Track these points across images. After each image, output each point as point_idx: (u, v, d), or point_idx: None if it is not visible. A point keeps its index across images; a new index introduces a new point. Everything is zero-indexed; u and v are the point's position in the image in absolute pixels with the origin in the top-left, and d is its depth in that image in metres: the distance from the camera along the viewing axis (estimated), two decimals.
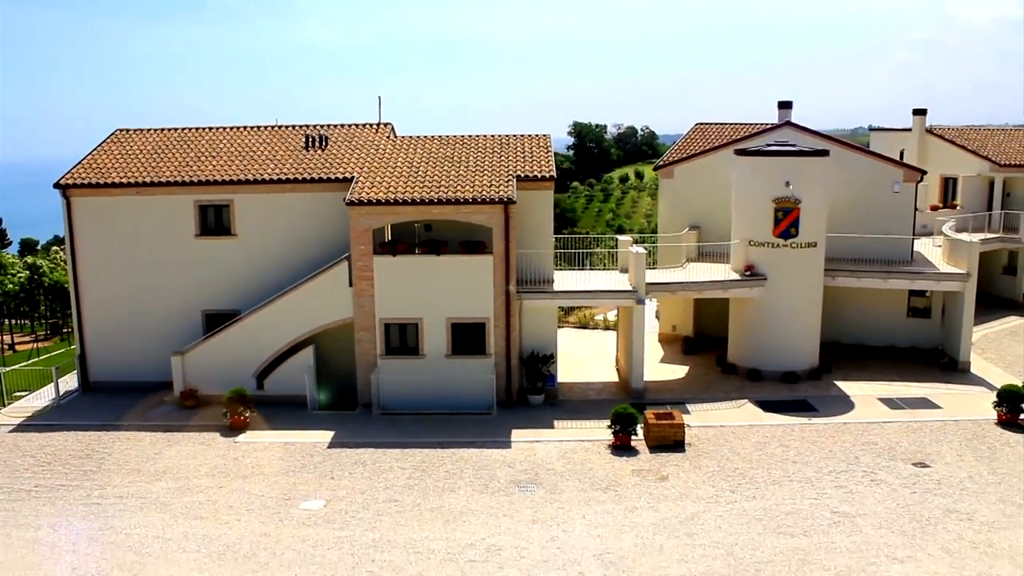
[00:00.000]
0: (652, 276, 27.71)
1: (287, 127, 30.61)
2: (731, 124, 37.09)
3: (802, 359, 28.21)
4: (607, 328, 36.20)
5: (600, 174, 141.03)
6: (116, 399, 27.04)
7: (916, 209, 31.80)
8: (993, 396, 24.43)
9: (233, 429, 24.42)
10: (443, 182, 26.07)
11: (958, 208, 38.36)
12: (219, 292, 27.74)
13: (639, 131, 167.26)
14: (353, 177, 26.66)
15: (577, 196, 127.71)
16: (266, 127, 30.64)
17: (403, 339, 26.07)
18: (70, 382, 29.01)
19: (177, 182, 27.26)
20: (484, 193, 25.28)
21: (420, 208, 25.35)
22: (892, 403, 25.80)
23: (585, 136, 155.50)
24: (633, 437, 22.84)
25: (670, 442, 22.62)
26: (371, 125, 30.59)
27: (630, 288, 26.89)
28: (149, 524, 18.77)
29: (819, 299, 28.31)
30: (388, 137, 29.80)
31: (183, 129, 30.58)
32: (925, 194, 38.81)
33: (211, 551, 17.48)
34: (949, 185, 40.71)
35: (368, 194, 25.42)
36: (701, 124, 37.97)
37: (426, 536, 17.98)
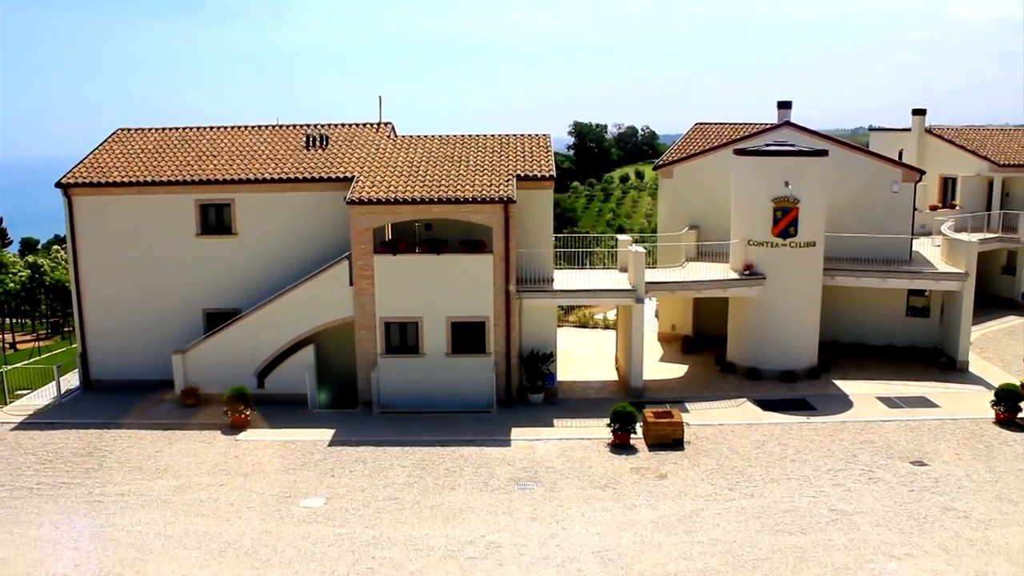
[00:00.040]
0: (651, 275, 27.81)
1: (288, 127, 30.70)
2: (731, 124, 37.18)
3: (801, 358, 28.30)
4: (607, 327, 36.30)
5: (600, 174, 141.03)
6: (117, 397, 27.15)
7: (915, 209, 31.93)
8: (991, 395, 24.54)
9: (234, 427, 24.52)
10: (443, 181, 26.16)
11: (957, 208, 38.45)
12: (220, 291, 27.84)
13: (639, 131, 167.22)
14: (353, 176, 26.76)
15: (577, 196, 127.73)
16: (267, 126, 30.73)
17: (403, 338, 26.17)
18: (71, 380, 29.13)
19: (178, 181, 27.36)
20: (484, 192, 25.37)
21: (420, 207, 25.44)
22: (890, 402, 25.90)
23: (585, 136, 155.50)
24: (632, 435, 22.94)
25: (669, 440, 22.72)
26: (371, 124, 30.68)
27: (629, 287, 26.99)
28: (150, 521, 18.87)
29: (818, 298, 28.40)
30: (388, 136, 29.89)
31: (184, 128, 30.67)
32: (924, 194, 38.92)
33: (212, 548, 17.58)
34: (948, 185, 40.80)
35: (369, 193, 25.51)
36: (701, 124, 38.06)
37: (426, 533, 18.08)
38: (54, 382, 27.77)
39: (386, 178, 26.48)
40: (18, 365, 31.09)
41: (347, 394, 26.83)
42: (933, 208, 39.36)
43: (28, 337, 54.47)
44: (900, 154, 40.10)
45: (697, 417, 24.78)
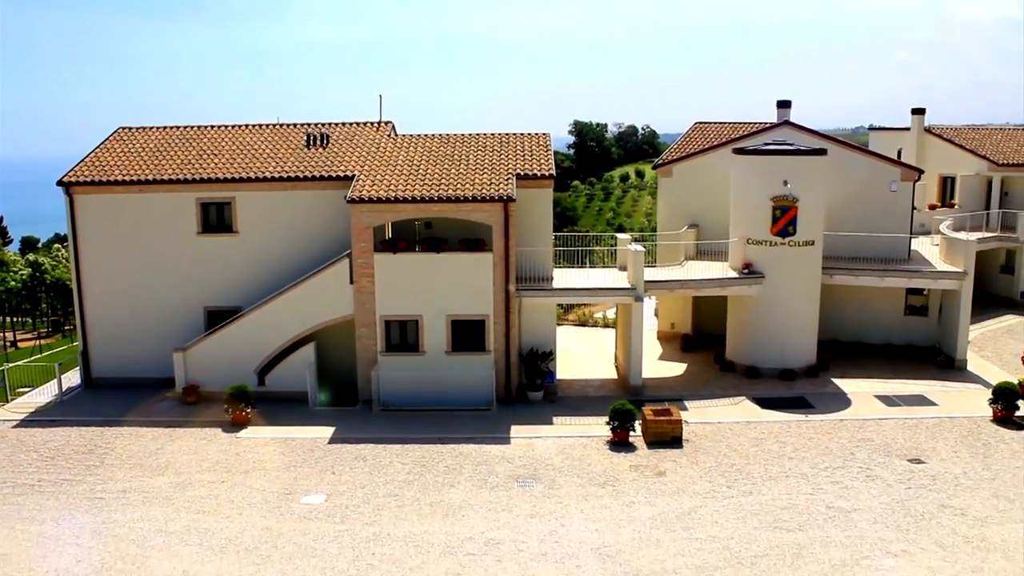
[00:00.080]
0: (651, 274, 27.92)
1: (288, 125, 30.80)
2: (730, 123, 37.25)
3: (800, 357, 28.40)
4: (606, 326, 36.40)
5: (601, 173, 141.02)
6: (118, 395, 27.26)
7: (914, 208, 32.03)
8: (989, 393, 24.64)
9: (234, 425, 24.61)
10: (443, 180, 26.25)
11: (956, 207, 38.55)
12: (221, 289, 27.93)
13: (640, 130, 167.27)
14: (354, 175, 26.85)
15: (578, 195, 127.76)
16: (268, 125, 30.82)
17: (403, 336, 26.26)
18: (73, 378, 29.24)
19: (179, 180, 27.46)
20: (484, 191, 25.47)
21: (420, 206, 25.54)
22: (889, 400, 25.99)
23: (586, 135, 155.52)
24: (631, 433, 23.04)
25: (668, 438, 22.81)
26: (372, 123, 30.78)
27: (629, 286, 27.08)
28: (152, 518, 18.97)
29: (816, 297, 28.49)
30: (389, 135, 29.98)
31: (185, 127, 30.77)
32: (923, 193, 39.00)
33: (213, 544, 17.68)
34: (947, 184, 40.91)
35: (369, 192, 25.61)
36: (700, 123, 38.14)
37: (425, 530, 18.18)
38: (55, 380, 27.88)
39: (386, 177, 26.57)
40: (20, 363, 31.16)
41: (347, 392, 26.92)
42: (932, 207, 39.45)
43: (29, 335, 54.61)
44: (899, 153, 40.19)
45: (696, 415, 24.88)
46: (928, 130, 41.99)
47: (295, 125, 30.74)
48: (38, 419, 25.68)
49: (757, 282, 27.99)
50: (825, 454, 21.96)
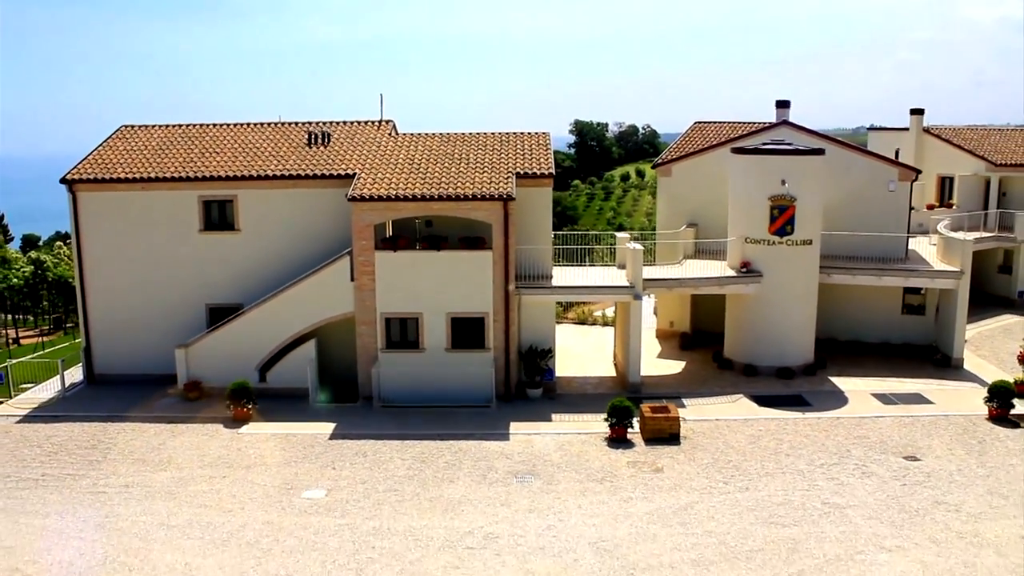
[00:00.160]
0: (649, 272, 28.11)
1: (290, 124, 31.00)
2: (729, 123, 37.43)
3: (797, 355, 28.59)
4: (605, 324, 36.59)
5: (601, 172, 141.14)
6: (121, 391, 27.45)
7: (911, 208, 32.21)
8: (985, 392, 24.82)
9: (236, 421, 24.81)
10: (444, 179, 26.44)
11: (954, 207, 38.73)
12: (223, 286, 28.14)
13: (640, 129, 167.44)
14: (355, 173, 27.05)
15: (578, 194, 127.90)
16: (269, 124, 31.02)
17: (403, 333, 26.46)
18: (75, 375, 29.43)
19: (181, 178, 27.66)
20: (484, 190, 25.66)
21: (421, 204, 25.72)
22: (885, 398, 26.19)
23: (586, 134, 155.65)
24: (629, 430, 23.23)
25: (665, 435, 23.01)
26: (373, 122, 30.98)
27: (627, 284, 27.27)
28: (154, 512, 19.17)
29: (814, 296, 28.67)
30: (390, 134, 30.18)
31: (187, 125, 30.96)
32: (922, 193, 39.19)
33: (215, 538, 17.89)
34: (946, 184, 41.10)
35: (370, 190, 25.80)
36: (700, 123, 38.32)
37: (425, 524, 18.38)
38: (58, 376, 28.09)
39: (387, 175, 26.77)
40: (23, 359, 31.36)
41: (348, 388, 27.11)
42: (930, 207, 39.64)
43: (31, 332, 54.83)
44: (896, 153, 40.34)
45: (694, 412, 25.07)
46: (927, 130, 42.16)
47: (296, 124, 30.94)
48: (41, 415, 25.89)
49: (755, 281, 28.18)
50: (821, 451, 22.15)
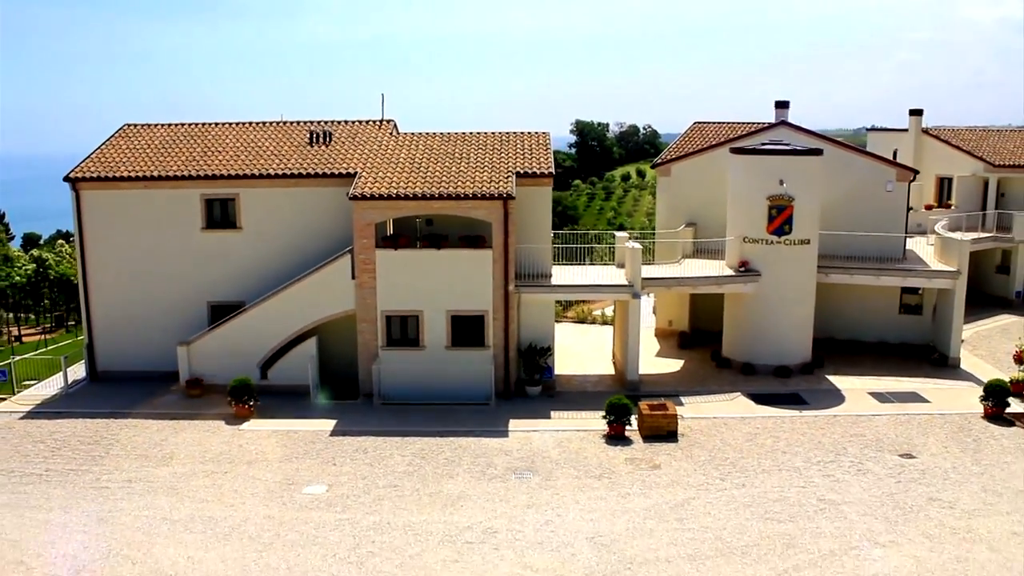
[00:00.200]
0: (648, 271, 28.30)
1: (292, 123, 31.21)
2: (729, 123, 37.64)
3: (795, 354, 28.78)
4: (604, 323, 36.78)
5: (602, 172, 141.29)
6: (123, 388, 27.66)
7: (909, 208, 32.39)
8: (981, 391, 24.99)
9: (237, 417, 25.00)
10: (444, 178, 26.64)
11: (953, 208, 38.91)
12: (224, 284, 28.34)
13: (641, 129, 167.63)
14: (356, 172, 27.25)
15: (579, 194, 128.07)
16: (271, 123, 31.23)
17: (404, 331, 26.65)
18: (78, 372, 29.61)
19: (184, 176, 27.86)
20: (484, 189, 25.86)
21: (421, 203, 25.92)
22: (882, 397, 26.37)
23: (587, 134, 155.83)
24: (627, 427, 23.42)
25: (663, 432, 23.20)
26: (374, 122, 31.18)
27: (626, 283, 27.46)
28: (157, 506, 19.37)
29: (812, 295, 28.86)
30: (391, 133, 30.38)
31: (190, 124, 31.17)
32: (921, 194, 39.37)
33: (217, 532, 18.09)
34: (944, 185, 41.26)
35: (371, 189, 26.00)
36: (699, 123, 38.52)
37: (425, 519, 18.58)
38: (61, 372, 28.29)
39: (388, 174, 26.96)
40: (27, 356, 31.57)
41: (348, 386, 27.30)
42: (929, 208, 39.82)
43: (33, 330, 55.04)
44: (894, 154, 40.53)
45: (691, 410, 25.25)
46: (926, 131, 42.31)
47: (298, 123, 31.15)
48: (44, 411, 26.09)
49: (753, 280, 28.37)
50: (817, 448, 22.35)
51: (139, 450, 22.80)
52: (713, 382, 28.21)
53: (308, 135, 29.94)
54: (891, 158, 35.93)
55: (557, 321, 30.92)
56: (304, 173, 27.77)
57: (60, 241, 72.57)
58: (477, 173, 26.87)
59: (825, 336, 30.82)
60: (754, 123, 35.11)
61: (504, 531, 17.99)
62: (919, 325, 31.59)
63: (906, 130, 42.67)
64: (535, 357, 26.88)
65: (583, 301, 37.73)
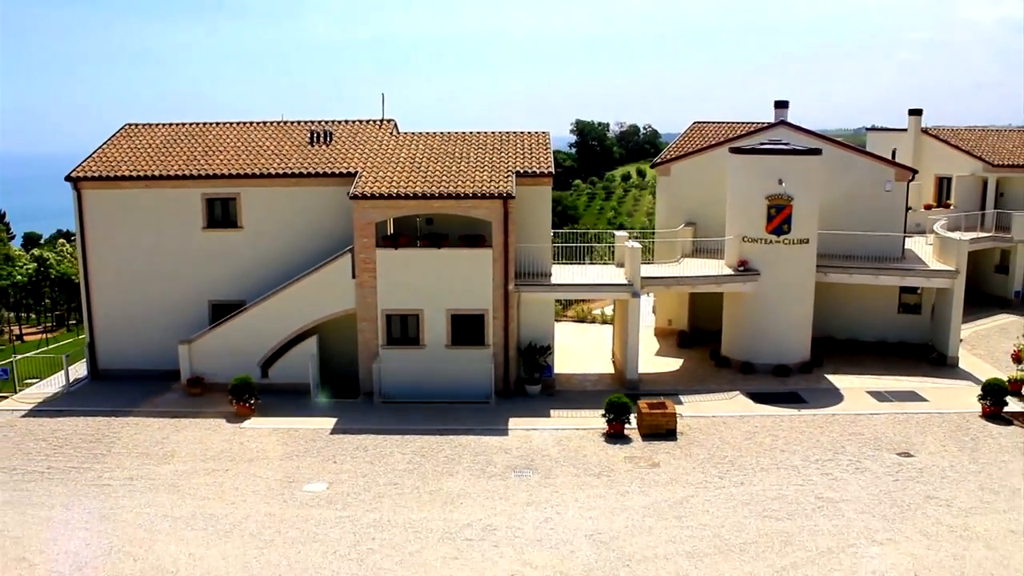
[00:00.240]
0: (648, 270, 28.40)
1: (292, 123, 31.31)
2: (728, 123, 37.75)
3: (794, 353, 28.87)
4: (604, 322, 36.88)
5: (602, 172, 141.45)
6: (124, 386, 27.78)
7: (908, 207, 32.48)
8: (979, 390, 25.09)
9: (238, 416, 25.10)
10: (444, 177, 26.74)
11: (952, 207, 38.99)
12: (225, 283, 28.45)
13: (642, 129, 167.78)
14: (357, 172, 27.35)
15: (579, 194, 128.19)
16: (272, 123, 31.33)
17: (404, 330, 26.75)
18: (79, 370, 29.71)
19: (185, 175, 27.96)
20: (484, 188, 25.96)
21: (422, 202, 26.02)
22: (880, 396, 26.47)
23: (587, 134, 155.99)
24: (627, 426, 23.52)
25: (662, 430, 23.30)
26: (374, 121, 31.28)
27: (626, 282, 27.55)
28: (158, 504, 19.48)
29: (811, 294, 28.95)
30: (391, 133, 30.48)
31: (191, 124, 31.28)
32: (920, 194, 39.45)
33: (218, 529, 18.19)
34: (943, 185, 41.34)
35: (371, 188, 26.10)
36: (699, 123, 38.62)
37: (425, 517, 18.68)
38: (63, 371, 28.40)
39: (388, 174, 27.06)
40: (28, 355, 31.68)
41: (349, 384, 27.40)
42: (928, 207, 39.92)
43: (34, 329, 55.17)
44: (893, 153, 40.62)
45: (691, 409, 25.35)
46: (925, 131, 42.38)
47: (299, 123, 31.25)
48: (46, 409, 26.20)
49: (752, 279, 28.47)
50: (816, 447, 22.44)
51: (140, 448, 22.90)
52: (712, 381, 28.31)
53: (309, 135, 30.05)
54: (890, 158, 35.99)
55: (557, 320, 31.02)
56: (305, 173, 27.87)
57: (61, 240, 72.71)
58: (477, 173, 26.97)
59: (824, 335, 30.92)
60: (754, 123, 35.22)
61: (503, 528, 18.09)
62: (918, 324, 31.69)
63: (905, 130, 42.76)
64: (535, 356, 26.98)
65: (583, 300, 37.84)
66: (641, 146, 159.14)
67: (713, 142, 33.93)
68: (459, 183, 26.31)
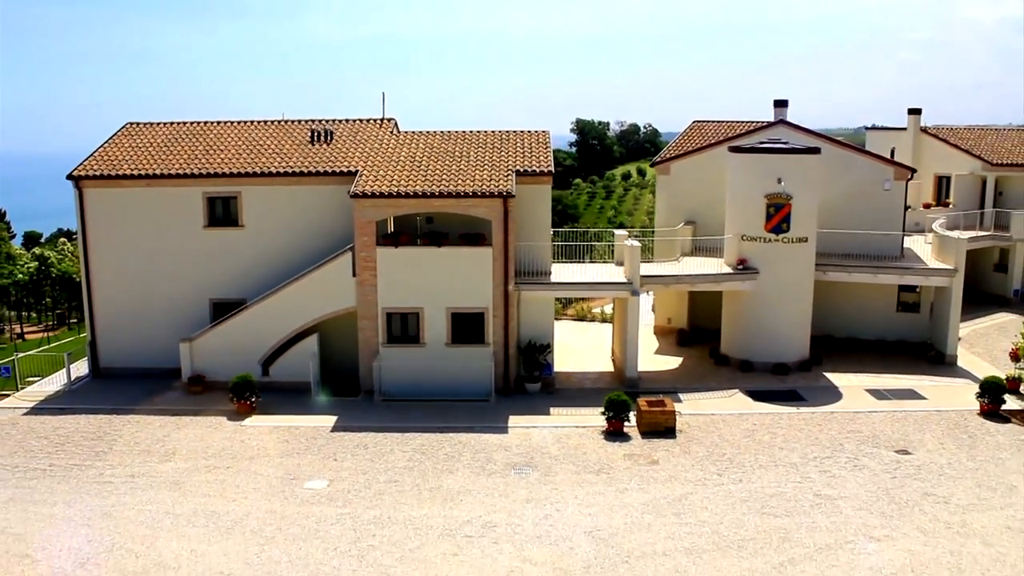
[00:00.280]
0: (647, 269, 28.49)
1: (293, 122, 31.40)
2: (727, 122, 37.83)
3: (793, 351, 28.96)
4: (604, 321, 36.97)
5: (603, 171, 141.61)
6: (126, 384, 27.89)
7: (907, 206, 32.57)
8: (977, 388, 25.18)
9: (239, 414, 25.21)
10: (444, 176, 26.83)
11: (951, 206, 39.07)
12: (226, 281, 28.55)
13: (642, 128, 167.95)
14: (357, 170, 27.44)
15: (579, 193, 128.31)
16: (273, 122, 31.43)
17: (404, 328, 26.85)
18: (81, 368, 29.82)
19: (186, 174, 28.05)
20: (484, 187, 26.05)
21: (422, 201, 26.11)
22: (879, 394, 26.56)
23: (588, 133, 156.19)
24: (626, 423, 23.62)
25: (661, 428, 23.39)
26: (375, 120, 31.37)
27: (625, 280, 27.64)
28: (160, 501, 19.58)
29: (810, 293, 29.04)
30: (391, 132, 30.57)
31: (192, 123, 31.38)
32: (919, 193, 39.52)
33: (220, 526, 18.29)
34: (942, 183, 41.42)
35: (372, 187, 26.19)
36: (698, 122, 38.70)
37: (425, 514, 18.78)
38: (64, 369, 28.50)
39: (389, 172, 27.15)
40: (30, 353, 31.78)
41: (349, 382, 27.51)
42: (927, 206, 40.00)
43: (34, 328, 55.29)
44: (892, 152, 40.70)
45: (690, 407, 25.45)
46: (924, 130, 42.47)
47: (299, 121, 31.34)
48: (48, 407, 26.31)
49: (751, 278, 28.56)
50: (814, 445, 22.54)
51: (142, 446, 23.01)
52: (711, 379, 28.40)
53: (309, 133, 30.14)
54: (889, 157, 36.07)
55: (557, 318, 31.12)
56: (305, 171, 27.97)
57: (62, 239, 72.84)
58: (477, 171, 27.06)
59: (823, 334, 31.01)
60: (753, 122, 35.31)
61: (503, 525, 18.19)
62: (916, 323, 31.78)
63: (904, 129, 42.84)
64: (535, 354, 27.07)
65: (583, 299, 37.95)
66: (641, 145, 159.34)
67: (713, 141, 34.01)
68: (459, 182, 26.40)
